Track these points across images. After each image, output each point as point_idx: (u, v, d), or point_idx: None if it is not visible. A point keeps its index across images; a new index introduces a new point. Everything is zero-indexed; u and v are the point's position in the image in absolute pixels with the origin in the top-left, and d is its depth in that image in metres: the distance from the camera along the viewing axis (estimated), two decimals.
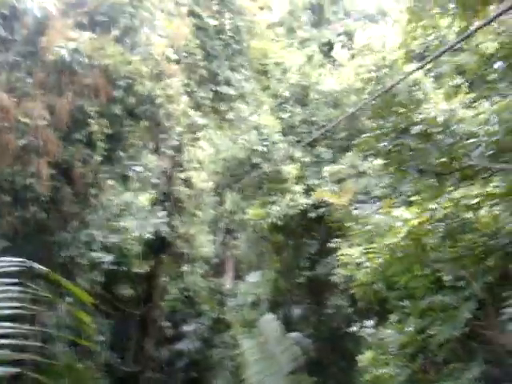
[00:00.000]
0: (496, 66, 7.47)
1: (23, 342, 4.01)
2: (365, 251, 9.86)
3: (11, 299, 3.93)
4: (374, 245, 9.56)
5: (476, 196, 8.69)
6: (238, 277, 33.25)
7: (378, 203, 14.99)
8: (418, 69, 8.96)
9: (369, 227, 9.81)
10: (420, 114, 8.23)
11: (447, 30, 14.72)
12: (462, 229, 8.80)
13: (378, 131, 7.81)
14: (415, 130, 7.87)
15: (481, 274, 8.31)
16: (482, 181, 8.38)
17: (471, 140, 7.94)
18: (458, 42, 8.13)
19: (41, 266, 4.24)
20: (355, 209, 14.51)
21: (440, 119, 8.86)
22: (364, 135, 8.44)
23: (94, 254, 14.13)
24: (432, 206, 8.96)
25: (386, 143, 7.75)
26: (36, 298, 4.19)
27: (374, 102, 10.60)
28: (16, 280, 4.01)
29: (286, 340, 19.48)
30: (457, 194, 8.69)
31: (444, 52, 8.03)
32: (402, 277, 9.22)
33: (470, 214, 8.97)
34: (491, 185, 8.67)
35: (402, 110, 7.83)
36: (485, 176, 8.19)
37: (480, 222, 8.97)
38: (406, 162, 7.79)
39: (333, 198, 17.24)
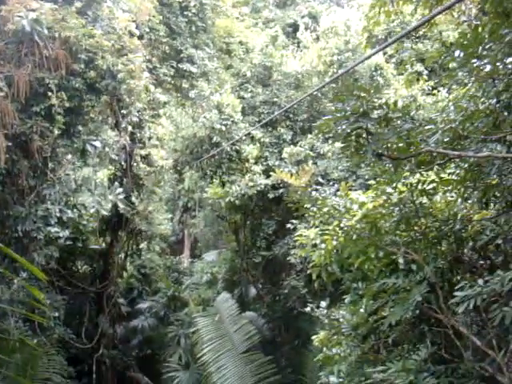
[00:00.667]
0: (456, 54, 7.56)
1: None
2: (320, 233, 9.94)
3: None
4: (330, 227, 9.65)
5: (431, 182, 8.85)
6: (195, 255, 33.34)
7: (336, 186, 15.15)
8: (377, 51, 9.04)
9: (326, 209, 9.88)
10: (380, 98, 8.30)
11: (410, 17, 14.89)
12: (417, 213, 8.96)
13: (338, 114, 7.84)
14: (375, 114, 7.93)
15: (433, 259, 8.48)
16: (438, 167, 8.51)
17: (429, 126, 8.04)
18: (417, 27, 8.21)
19: None
20: (314, 190, 14.64)
21: (400, 105, 8.97)
22: (324, 117, 8.47)
23: (50, 229, 13.96)
24: (388, 190, 9.09)
25: (344, 126, 7.79)
26: None
27: (334, 84, 10.68)
28: None
29: (241, 319, 19.63)
30: (413, 179, 8.83)
31: (403, 36, 8.13)
32: (356, 259, 9.33)
33: (424, 200, 9.14)
34: (447, 171, 8.84)
35: (362, 94, 7.86)
36: (441, 162, 8.31)
37: (434, 208, 9.15)
38: (364, 145, 7.85)
39: (292, 179, 17.34)
